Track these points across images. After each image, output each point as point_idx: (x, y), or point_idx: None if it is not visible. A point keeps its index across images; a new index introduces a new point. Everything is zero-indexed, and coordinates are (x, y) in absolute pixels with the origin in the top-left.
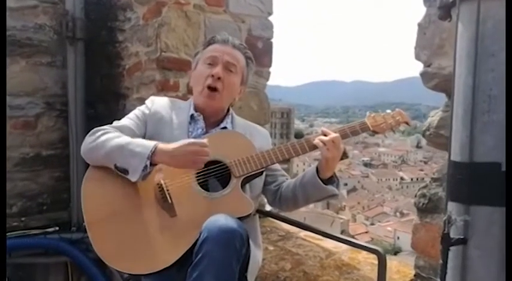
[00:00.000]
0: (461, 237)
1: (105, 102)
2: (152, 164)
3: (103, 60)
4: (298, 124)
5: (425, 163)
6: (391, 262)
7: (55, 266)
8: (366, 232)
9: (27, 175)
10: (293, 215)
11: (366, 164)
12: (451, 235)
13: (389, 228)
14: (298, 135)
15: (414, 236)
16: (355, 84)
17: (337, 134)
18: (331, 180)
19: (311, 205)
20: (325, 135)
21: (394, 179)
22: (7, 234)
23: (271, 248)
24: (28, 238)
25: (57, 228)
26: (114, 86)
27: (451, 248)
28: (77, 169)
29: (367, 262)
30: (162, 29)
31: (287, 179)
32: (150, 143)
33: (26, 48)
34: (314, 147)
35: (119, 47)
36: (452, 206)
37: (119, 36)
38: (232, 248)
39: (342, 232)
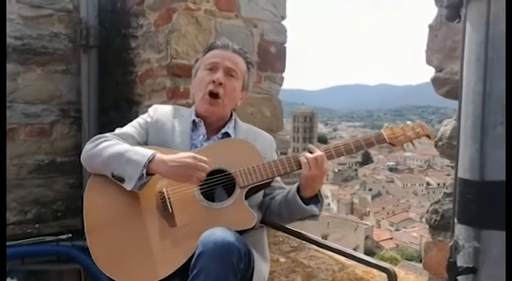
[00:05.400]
0: (470, 266)
1: (119, 109)
2: (149, 174)
3: (117, 67)
4: (321, 128)
5: (453, 167)
6: (408, 277)
7: (68, 273)
8: (391, 238)
9: (42, 182)
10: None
11: (391, 169)
12: (459, 263)
13: (415, 234)
14: (321, 139)
15: (426, 256)
16: (379, 88)
17: (321, 153)
18: (314, 199)
19: (334, 210)
20: (311, 152)
21: (420, 185)
22: (21, 241)
23: (282, 259)
24: (41, 245)
25: (70, 235)
26: (127, 93)
27: (459, 277)
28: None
29: (382, 276)
30: (173, 35)
31: (283, 192)
32: (148, 152)
33: (41, 57)
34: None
35: (131, 53)
36: (460, 230)
37: (132, 43)
38: (229, 263)
39: (366, 238)
